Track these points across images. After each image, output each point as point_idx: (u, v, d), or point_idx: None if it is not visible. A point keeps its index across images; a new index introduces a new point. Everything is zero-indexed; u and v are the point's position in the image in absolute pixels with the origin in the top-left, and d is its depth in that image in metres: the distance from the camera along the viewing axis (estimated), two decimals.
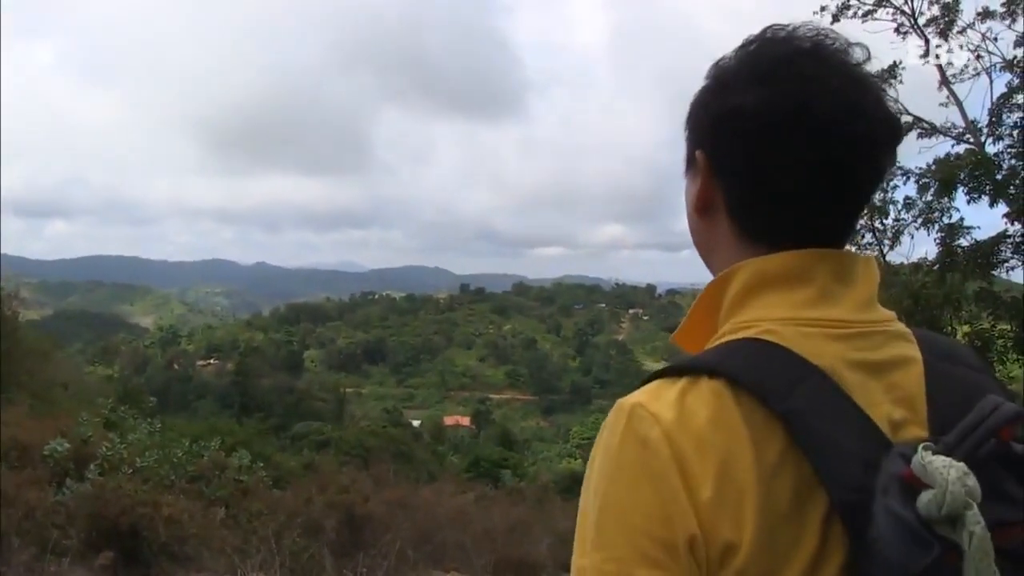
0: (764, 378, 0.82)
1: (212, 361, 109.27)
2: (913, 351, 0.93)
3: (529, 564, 8.83)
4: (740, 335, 0.89)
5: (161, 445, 9.61)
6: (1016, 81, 13.79)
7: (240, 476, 9.52)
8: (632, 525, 0.78)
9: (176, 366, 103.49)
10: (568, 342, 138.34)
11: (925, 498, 0.73)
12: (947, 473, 0.72)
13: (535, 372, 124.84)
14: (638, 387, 0.88)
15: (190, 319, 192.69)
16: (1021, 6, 14.57)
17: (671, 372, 0.87)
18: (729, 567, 0.77)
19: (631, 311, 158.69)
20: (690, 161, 1.03)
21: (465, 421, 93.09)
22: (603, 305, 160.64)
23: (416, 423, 79.51)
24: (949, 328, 14.02)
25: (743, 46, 0.97)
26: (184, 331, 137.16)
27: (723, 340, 0.90)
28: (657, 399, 0.84)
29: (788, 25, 0.96)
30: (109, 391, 26.43)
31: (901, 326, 0.96)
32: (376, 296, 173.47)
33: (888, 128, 0.93)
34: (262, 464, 10.91)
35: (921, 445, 0.77)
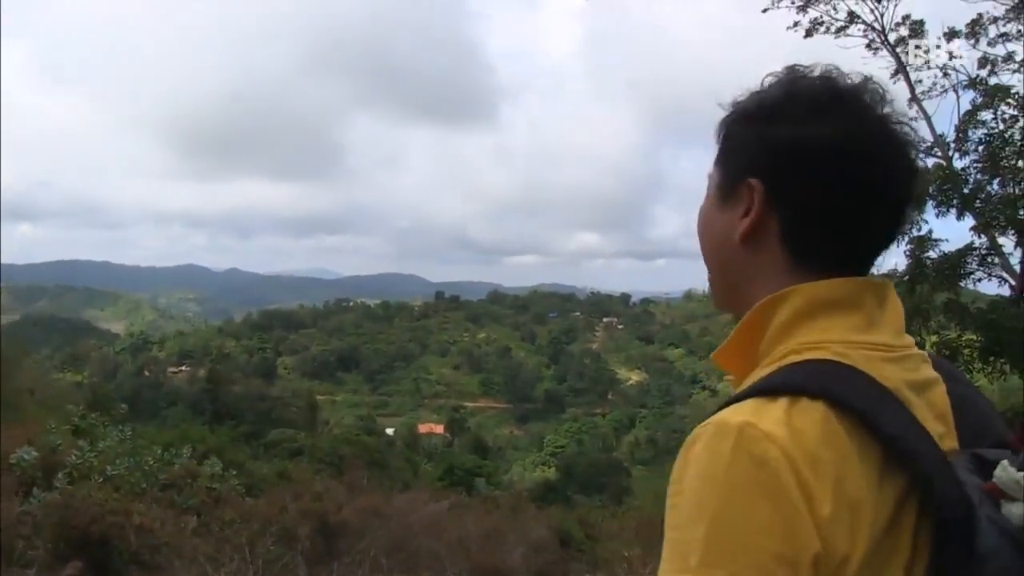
0: (860, 399, 0.87)
1: (184, 368, 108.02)
2: (934, 371, 1.01)
3: (503, 572, 8.83)
4: (809, 355, 0.92)
5: (132, 453, 9.50)
6: (980, 99, 14.07)
7: (212, 484, 9.45)
8: (752, 543, 0.79)
9: (147, 372, 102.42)
10: (542, 350, 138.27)
11: (1017, 510, 0.84)
12: None
13: (509, 380, 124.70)
14: (722, 407, 0.90)
15: (162, 325, 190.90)
16: (984, 27, 14.92)
17: (764, 392, 0.88)
18: None
19: (605, 320, 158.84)
20: (730, 189, 1.04)
21: (439, 429, 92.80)
22: (578, 314, 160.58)
23: (390, 431, 79.34)
24: (918, 339, 14.21)
25: (785, 80, 1.03)
26: (155, 337, 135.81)
27: (792, 360, 0.93)
28: (764, 418, 0.85)
29: (810, 66, 1.03)
30: (78, 398, 26.13)
31: (921, 350, 1.03)
32: (350, 303, 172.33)
33: (916, 168, 1.03)
34: (234, 472, 10.82)
35: (1004, 460, 0.88)
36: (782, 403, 0.86)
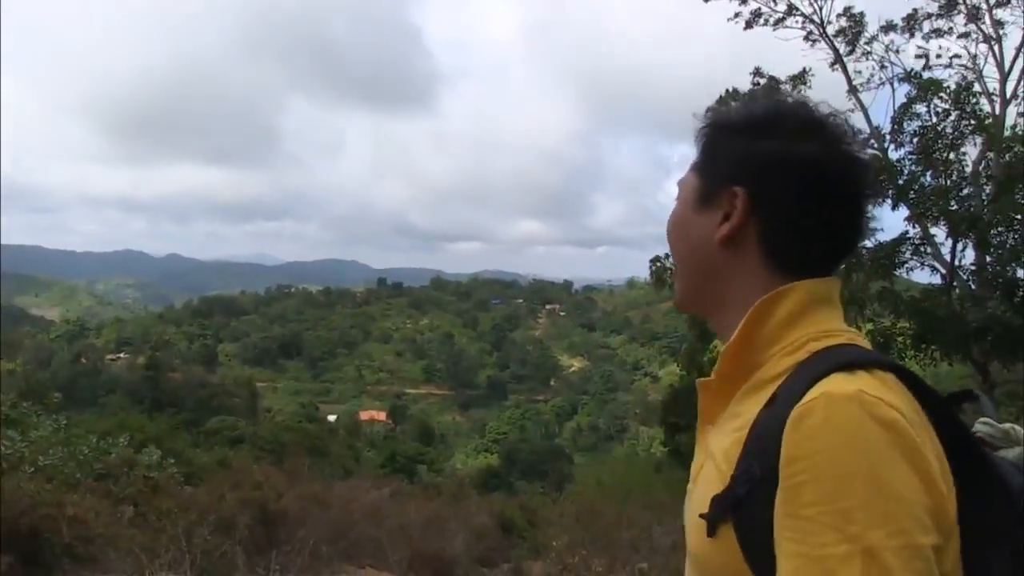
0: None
1: (122, 355, 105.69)
2: None
3: (444, 559, 8.83)
4: (832, 341, 1.01)
5: (66, 442, 9.24)
6: (915, 91, 14.40)
7: (150, 473, 9.26)
8: (904, 499, 0.83)
9: (84, 360, 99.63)
10: (485, 337, 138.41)
11: (1010, 454, 1.14)
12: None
13: (452, 367, 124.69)
14: (807, 385, 0.91)
15: (99, 312, 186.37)
16: (920, 22, 15.27)
17: (842, 367, 0.93)
18: (952, 528, 0.89)
19: (548, 307, 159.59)
20: (710, 195, 1.12)
21: (382, 416, 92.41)
22: (520, 300, 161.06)
23: (332, 418, 78.54)
24: (854, 326, 14.49)
25: (770, 102, 1.13)
26: (93, 324, 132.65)
27: (819, 344, 1.00)
28: (868, 386, 0.89)
29: (785, 92, 1.14)
30: (10, 386, 25.39)
31: None
32: (292, 289, 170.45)
33: (874, 187, 1.22)
34: (173, 460, 10.62)
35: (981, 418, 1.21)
36: (864, 375, 0.92)
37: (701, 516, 0.96)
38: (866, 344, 1.03)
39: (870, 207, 1.10)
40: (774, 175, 1.07)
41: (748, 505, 0.91)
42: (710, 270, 1.12)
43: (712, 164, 1.13)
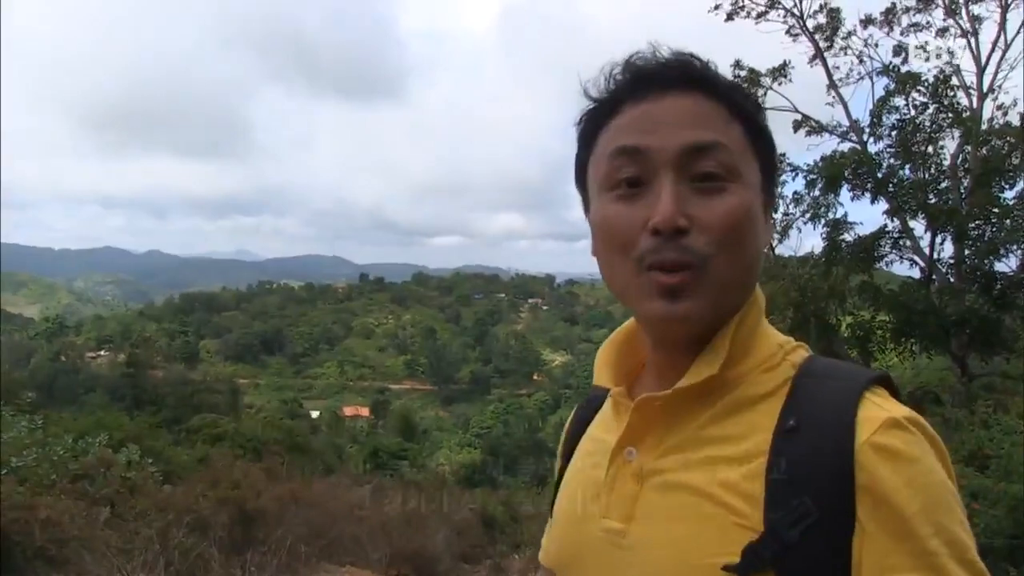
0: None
1: (103, 353, 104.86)
2: None
3: (425, 556, 8.80)
4: (802, 352, 0.95)
5: (41, 443, 9.15)
6: (893, 85, 14.48)
7: (128, 473, 9.16)
8: (960, 510, 0.82)
9: (64, 358, 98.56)
10: (468, 332, 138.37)
11: None
12: None
13: (434, 362, 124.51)
14: (848, 410, 0.83)
15: (79, 309, 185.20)
16: (898, 16, 15.36)
17: (862, 385, 0.86)
18: None
19: (530, 301, 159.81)
20: (770, 188, 0.97)
21: (364, 412, 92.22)
22: (502, 295, 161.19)
23: (315, 414, 78.36)
24: (834, 319, 14.60)
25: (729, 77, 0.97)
26: (72, 322, 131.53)
27: (797, 358, 0.93)
28: (905, 408, 0.86)
29: None
30: None
31: None
32: (273, 285, 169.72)
33: None
34: (151, 460, 10.53)
35: None
36: (884, 393, 0.88)
37: (727, 569, 0.81)
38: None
39: None
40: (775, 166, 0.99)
41: (800, 551, 0.79)
42: (754, 281, 0.95)
43: (770, 153, 0.96)
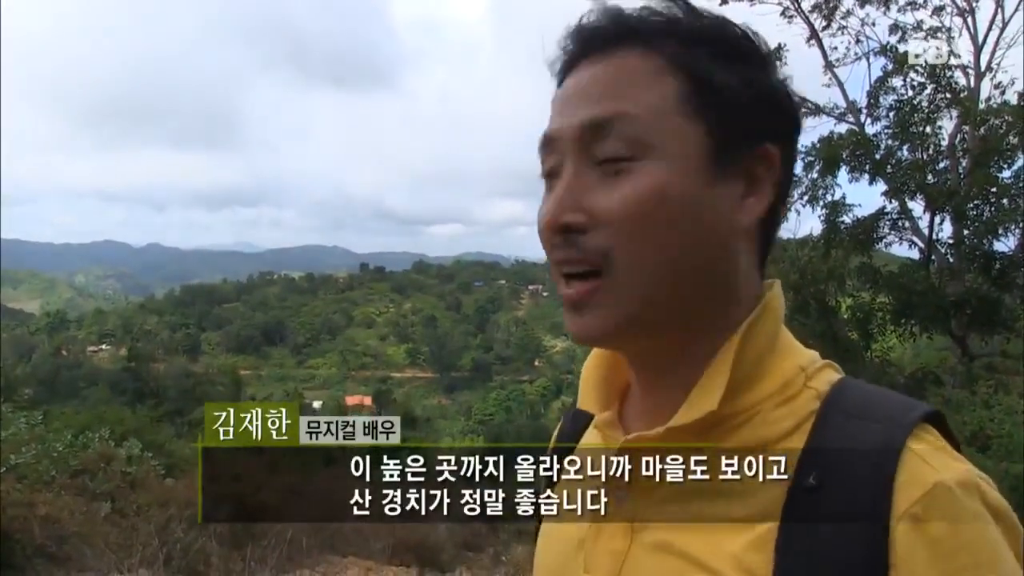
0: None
1: (104, 347, 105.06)
2: None
3: (428, 546, 8.82)
4: (829, 371, 0.77)
5: (41, 439, 9.15)
6: (890, 65, 14.41)
7: (128, 468, 9.17)
8: None
9: (65, 352, 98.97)
10: (469, 319, 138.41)
11: None
12: None
13: (436, 350, 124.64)
14: (888, 469, 0.66)
15: (80, 303, 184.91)
16: None
17: (907, 426, 0.68)
18: None
19: (531, 287, 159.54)
20: (731, 157, 0.74)
21: (367, 401, 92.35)
22: (503, 282, 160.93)
23: (317, 404, 78.49)
24: (834, 301, 14.60)
25: (703, 10, 0.78)
26: (73, 316, 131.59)
27: (822, 385, 0.74)
28: (962, 460, 0.69)
29: None
30: None
31: None
32: (274, 276, 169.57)
33: None
34: (152, 454, 10.53)
35: None
36: (934, 435, 0.70)
37: None
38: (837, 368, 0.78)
39: None
40: (794, 125, 0.78)
41: None
42: (716, 270, 0.74)
43: (725, 107, 0.73)
